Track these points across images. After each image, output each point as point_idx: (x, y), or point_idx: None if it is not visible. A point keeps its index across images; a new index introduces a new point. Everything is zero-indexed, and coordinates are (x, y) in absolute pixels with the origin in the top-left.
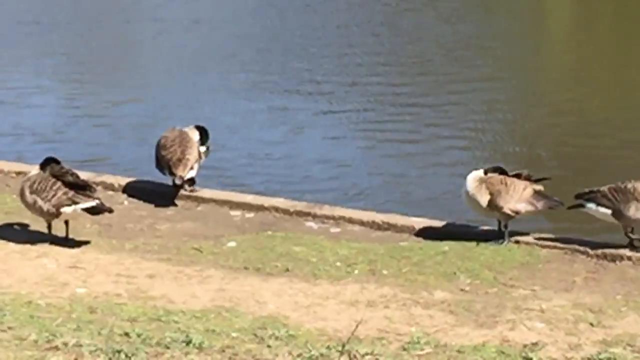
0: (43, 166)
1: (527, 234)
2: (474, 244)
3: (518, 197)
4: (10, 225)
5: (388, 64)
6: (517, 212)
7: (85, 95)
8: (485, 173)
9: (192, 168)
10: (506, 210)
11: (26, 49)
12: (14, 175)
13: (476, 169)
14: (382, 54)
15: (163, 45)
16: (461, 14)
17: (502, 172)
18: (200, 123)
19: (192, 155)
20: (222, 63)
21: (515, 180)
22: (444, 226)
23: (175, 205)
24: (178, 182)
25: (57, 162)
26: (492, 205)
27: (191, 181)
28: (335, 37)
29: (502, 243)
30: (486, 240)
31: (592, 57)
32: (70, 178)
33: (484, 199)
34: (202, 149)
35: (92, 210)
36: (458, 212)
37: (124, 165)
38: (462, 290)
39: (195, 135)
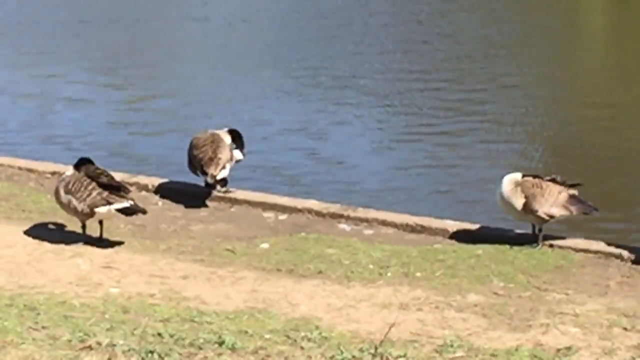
0: (77, 166)
1: (561, 237)
2: (507, 247)
3: (553, 201)
4: (45, 225)
5: (423, 66)
6: (551, 216)
7: (123, 95)
8: (523, 177)
9: (224, 167)
10: (541, 213)
11: (69, 48)
12: (48, 175)
13: (512, 172)
14: (418, 55)
15: (203, 45)
16: (497, 14)
17: (540, 177)
18: (233, 127)
19: (224, 155)
20: (260, 65)
21: (550, 184)
22: (477, 229)
23: (209, 206)
24: (210, 180)
25: (92, 162)
26: (527, 208)
27: (223, 181)
28: (371, 38)
29: (536, 247)
30: (520, 243)
31: (629, 57)
32: (104, 179)
33: (519, 202)
34: (239, 154)
35: (125, 211)
36: (492, 215)
37: (160, 166)
38: (495, 293)
39: (227, 138)
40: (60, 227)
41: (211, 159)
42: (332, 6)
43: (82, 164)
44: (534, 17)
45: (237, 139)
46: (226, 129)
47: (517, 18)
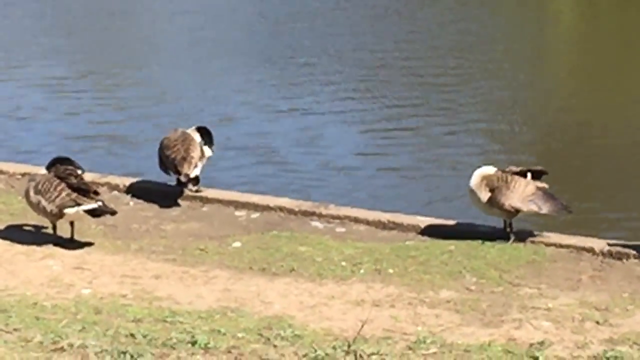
0: (49, 167)
1: (533, 232)
2: (479, 242)
3: (519, 195)
4: (15, 226)
5: (394, 62)
6: (517, 210)
7: (99, 92)
8: (495, 171)
9: (196, 166)
10: (507, 207)
11: (36, 50)
12: (19, 176)
13: (486, 165)
14: (390, 52)
15: (179, 39)
16: (467, 12)
17: (511, 170)
18: (201, 124)
19: (196, 153)
20: (235, 57)
21: (516, 177)
22: (449, 225)
23: (180, 205)
24: (184, 179)
25: (69, 160)
26: (493, 202)
27: (195, 180)
28: (345, 34)
29: (508, 242)
30: (492, 239)
31: (597, 52)
32: (73, 180)
33: (484, 195)
34: (208, 151)
35: (94, 212)
36: (464, 211)
37: (132, 166)
38: (468, 289)
39: (197, 136)
40: (31, 228)
41: (184, 158)
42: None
43: (53, 164)
44: (504, 15)
45: (206, 135)
46: (194, 127)
47: (487, 16)
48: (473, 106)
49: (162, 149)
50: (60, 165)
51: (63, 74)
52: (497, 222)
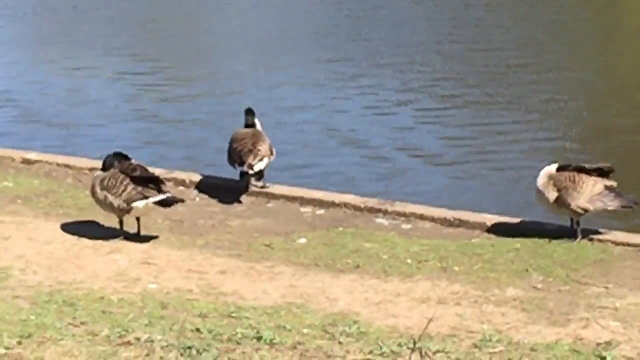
0: (110, 161)
1: (600, 231)
2: (546, 241)
3: (587, 194)
4: (83, 221)
5: (461, 58)
6: (585, 210)
7: (158, 88)
8: (560, 169)
9: (261, 160)
10: (574, 207)
11: (102, 48)
12: (86, 171)
13: (550, 164)
14: (456, 45)
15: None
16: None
17: (578, 168)
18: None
19: (264, 147)
20: (303, 53)
21: (584, 176)
22: (515, 223)
23: (246, 201)
24: (247, 169)
25: (127, 157)
26: (560, 202)
27: (259, 174)
28: (410, 26)
29: (575, 240)
30: (559, 237)
31: None
32: (138, 172)
33: (551, 195)
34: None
35: (163, 203)
36: (530, 208)
37: (201, 160)
38: (534, 287)
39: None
40: (98, 223)
41: (250, 150)
42: None
43: (115, 159)
44: (573, 10)
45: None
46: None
47: (555, 11)
48: (539, 103)
49: (231, 142)
50: (124, 160)
51: (133, 69)
52: (563, 220)
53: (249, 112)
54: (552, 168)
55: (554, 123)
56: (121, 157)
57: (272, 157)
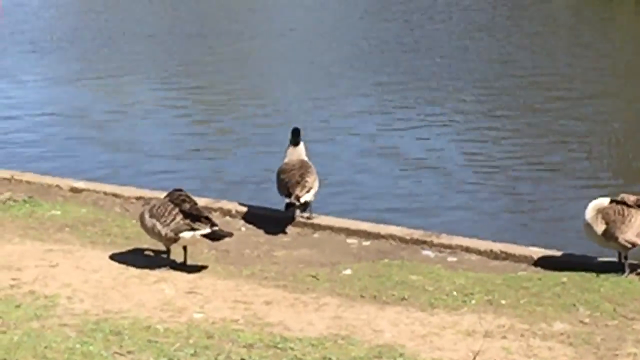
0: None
1: None
2: (593, 275)
3: (635, 228)
4: (129, 250)
5: (505, 83)
6: (633, 244)
7: (205, 115)
8: (610, 202)
9: (308, 191)
10: (621, 241)
11: (148, 73)
12: (133, 200)
13: (601, 197)
14: (499, 71)
15: (287, 58)
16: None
17: (627, 203)
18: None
19: (311, 179)
20: (345, 79)
21: (632, 210)
22: (562, 256)
23: (292, 232)
24: (293, 200)
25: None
26: (608, 235)
27: (305, 205)
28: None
29: (622, 275)
30: (606, 271)
31: None
32: (187, 206)
33: (599, 228)
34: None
35: (211, 236)
36: (577, 242)
37: (244, 190)
38: (581, 322)
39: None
40: (144, 252)
41: (298, 182)
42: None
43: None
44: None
45: None
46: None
47: (600, 39)
48: (586, 133)
49: (279, 173)
50: (175, 191)
51: (180, 96)
52: (611, 254)
53: (295, 133)
54: (601, 201)
55: (603, 155)
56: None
57: (317, 189)
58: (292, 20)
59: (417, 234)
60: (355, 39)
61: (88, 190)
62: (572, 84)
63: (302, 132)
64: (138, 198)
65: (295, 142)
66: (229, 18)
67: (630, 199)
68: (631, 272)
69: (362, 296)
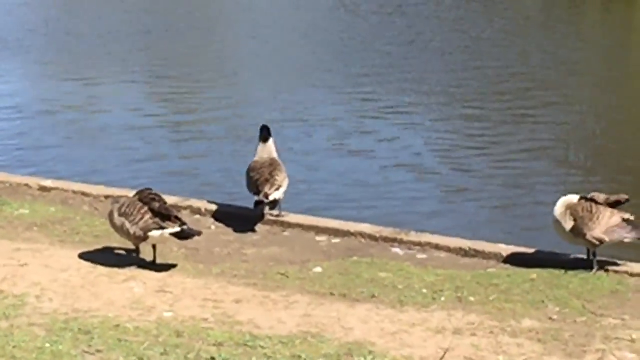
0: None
1: (616, 262)
2: (562, 272)
3: (603, 226)
4: (99, 248)
5: (481, 82)
6: (600, 241)
7: (176, 116)
8: (579, 200)
9: (277, 189)
10: (589, 238)
11: (119, 71)
12: (102, 199)
13: (569, 194)
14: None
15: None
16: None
17: (595, 200)
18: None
19: (280, 177)
20: (316, 78)
21: (601, 207)
22: (532, 253)
23: (261, 230)
24: (262, 198)
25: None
26: (576, 232)
27: (274, 203)
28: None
29: (591, 271)
30: (575, 268)
31: None
32: (156, 204)
33: (568, 225)
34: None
35: (180, 235)
36: (546, 239)
37: (214, 188)
38: (550, 318)
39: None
40: (114, 250)
41: (267, 180)
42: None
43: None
44: (590, 40)
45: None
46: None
47: (578, 38)
48: (557, 133)
49: (249, 171)
50: (145, 190)
51: (151, 94)
52: (580, 251)
53: (264, 129)
54: (570, 198)
55: (573, 153)
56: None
57: (286, 187)
58: (266, 19)
59: (387, 231)
60: (329, 36)
61: (57, 189)
62: (547, 82)
63: (270, 130)
64: (107, 197)
65: (264, 138)
66: (201, 16)
67: (600, 197)
68: (600, 269)
69: (332, 294)
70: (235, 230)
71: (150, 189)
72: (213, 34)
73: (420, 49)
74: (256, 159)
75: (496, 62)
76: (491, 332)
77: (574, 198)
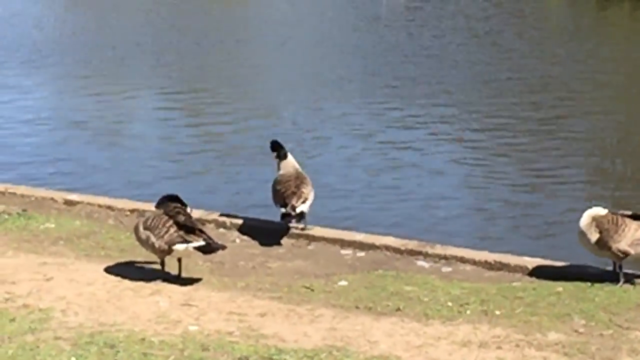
0: (159, 205)
1: None
2: (588, 284)
3: (628, 238)
4: (124, 262)
5: (509, 91)
6: (625, 254)
7: (199, 128)
8: (606, 213)
9: (304, 202)
10: (614, 250)
11: (142, 84)
12: (127, 213)
13: (595, 207)
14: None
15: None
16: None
17: (618, 214)
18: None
19: (307, 190)
20: (345, 89)
21: (627, 220)
22: (557, 266)
23: (286, 243)
24: (289, 210)
25: (178, 199)
26: (601, 244)
27: (300, 216)
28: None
29: (617, 284)
30: (601, 281)
31: None
32: (182, 217)
33: (593, 237)
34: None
35: (204, 248)
36: (572, 252)
37: (241, 202)
38: (576, 331)
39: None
40: (139, 264)
41: (293, 193)
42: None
43: (163, 202)
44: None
45: None
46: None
47: (608, 48)
48: (585, 144)
49: (275, 183)
50: (170, 203)
51: (174, 106)
52: (606, 263)
53: (276, 145)
54: (596, 210)
55: (600, 166)
56: (173, 199)
57: (312, 200)
58: (288, 28)
59: (412, 244)
60: (350, 46)
61: (82, 202)
62: (574, 90)
63: (282, 145)
64: (132, 210)
65: (284, 155)
66: (228, 29)
67: (625, 213)
68: (626, 281)
69: (357, 307)
70: (260, 244)
71: (177, 196)
72: (240, 47)
73: (449, 59)
74: (282, 172)
75: (527, 73)
76: (517, 346)
77: (600, 210)
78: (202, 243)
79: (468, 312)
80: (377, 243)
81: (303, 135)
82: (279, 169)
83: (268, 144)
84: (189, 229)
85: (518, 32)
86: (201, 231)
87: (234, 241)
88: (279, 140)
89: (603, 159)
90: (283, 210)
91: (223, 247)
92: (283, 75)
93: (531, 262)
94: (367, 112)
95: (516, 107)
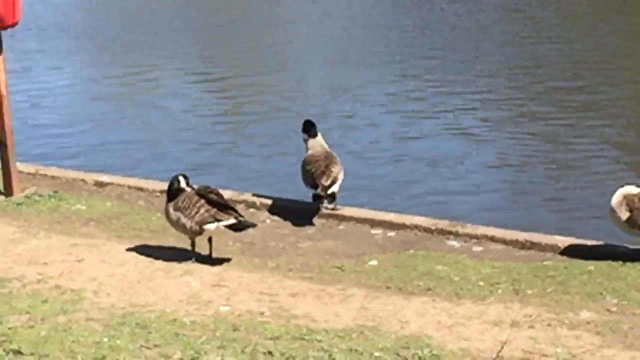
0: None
1: None
2: (620, 263)
3: None
4: (155, 244)
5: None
6: None
7: (227, 106)
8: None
9: (334, 181)
10: None
11: (170, 64)
12: (158, 194)
13: (627, 185)
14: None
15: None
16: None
17: None
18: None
19: (336, 169)
20: (376, 72)
21: None
22: (589, 245)
23: (317, 223)
24: (320, 191)
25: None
26: (631, 222)
27: (332, 196)
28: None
29: None
30: (633, 259)
31: None
32: (213, 196)
33: (623, 214)
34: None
35: (234, 227)
36: (604, 230)
37: (268, 182)
38: (608, 310)
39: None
40: (170, 245)
41: (323, 172)
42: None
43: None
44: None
45: None
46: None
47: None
48: (618, 123)
49: (305, 164)
50: (176, 182)
51: (204, 87)
52: (638, 242)
53: (310, 124)
54: (628, 188)
55: (633, 144)
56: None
57: (342, 179)
58: (323, 17)
59: (442, 224)
60: (380, 29)
61: (112, 184)
62: (608, 72)
63: (315, 124)
64: (162, 191)
65: (314, 133)
66: (257, 13)
67: None
68: None
69: (387, 287)
70: (291, 224)
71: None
72: (269, 30)
73: (469, 45)
74: (311, 152)
75: (562, 57)
76: (549, 325)
77: (632, 189)
78: (232, 221)
79: (499, 291)
80: (408, 223)
81: (335, 116)
82: (307, 148)
83: (297, 126)
84: (221, 206)
85: (556, 10)
86: (233, 209)
87: (264, 221)
88: (312, 120)
89: (639, 139)
90: (314, 191)
91: (253, 225)
92: (315, 59)
93: (562, 240)
94: (400, 97)
95: (549, 90)
